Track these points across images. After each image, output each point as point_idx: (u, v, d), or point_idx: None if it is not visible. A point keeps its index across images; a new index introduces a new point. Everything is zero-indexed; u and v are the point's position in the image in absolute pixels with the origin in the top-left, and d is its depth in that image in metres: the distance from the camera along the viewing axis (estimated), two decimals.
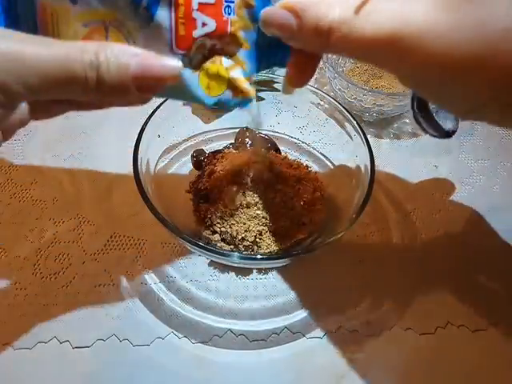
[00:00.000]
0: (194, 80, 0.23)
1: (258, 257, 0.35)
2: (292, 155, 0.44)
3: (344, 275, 0.38)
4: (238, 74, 0.24)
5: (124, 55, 0.19)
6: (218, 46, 0.23)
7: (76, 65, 0.18)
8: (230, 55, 0.24)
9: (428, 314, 0.36)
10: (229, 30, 0.23)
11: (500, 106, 0.19)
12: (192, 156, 0.42)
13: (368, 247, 0.40)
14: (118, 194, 0.41)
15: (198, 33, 0.23)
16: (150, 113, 0.38)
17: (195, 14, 0.22)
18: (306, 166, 0.42)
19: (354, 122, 0.38)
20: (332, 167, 0.43)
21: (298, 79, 0.24)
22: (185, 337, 0.34)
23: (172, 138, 0.43)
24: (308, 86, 0.42)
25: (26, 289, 0.35)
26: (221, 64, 0.24)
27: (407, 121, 0.51)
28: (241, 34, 0.23)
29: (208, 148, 0.44)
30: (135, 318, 0.34)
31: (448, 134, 0.26)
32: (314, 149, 0.45)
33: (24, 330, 0.33)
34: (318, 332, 0.35)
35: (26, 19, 0.21)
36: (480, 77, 0.17)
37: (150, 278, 0.36)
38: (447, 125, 0.25)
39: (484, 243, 0.41)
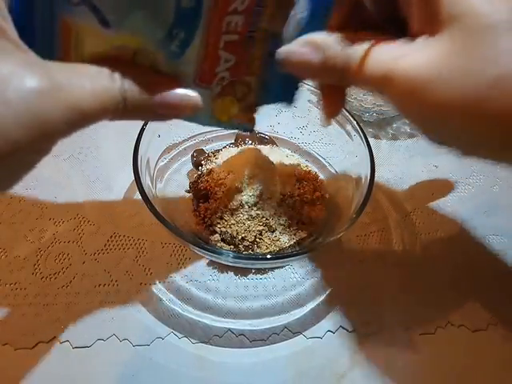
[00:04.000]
0: (208, 108, 0.25)
1: (258, 257, 0.35)
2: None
3: (344, 275, 0.38)
4: (246, 105, 0.26)
5: (148, 84, 0.20)
6: (236, 78, 0.25)
7: (109, 97, 0.18)
8: (245, 85, 0.25)
9: (428, 313, 0.36)
10: (247, 63, 0.24)
11: (497, 146, 0.19)
12: (192, 156, 0.42)
13: (368, 247, 0.40)
14: (117, 194, 0.41)
15: (220, 69, 0.24)
16: None
17: (220, 52, 0.23)
18: (306, 165, 0.42)
19: (354, 122, 0.38)
20: (332, 167, 0.43)
21: (332, 110, 0.27)
22: (185, 337, 0.34)
23: (172, 137, 0.43)
24: (308, 86, 0.42)
25: (26, 289, 0.35)
26: (235, 97, 0.25)
27: (406, 121, 0.51)
28: (258, 66, 0.24)
29: (208, 148, 0.44)
30: (135, 318, 0.34)
31: None
32: (314, 149, 0.45)
33: (24, 329, 0.33)
34: (318, 332, 0.35)
35: (43, 35, 0.20)
36: (469, 122, 0.18)
37: (150, 278, 0.36)
38: None
39: (484, 243, 0.41)
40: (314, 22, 0.23)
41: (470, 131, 0.19)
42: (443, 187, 0.45)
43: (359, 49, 0.21)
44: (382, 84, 0.20)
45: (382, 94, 0.21)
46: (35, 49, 0.18)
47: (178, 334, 0.34)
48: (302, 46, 0.22)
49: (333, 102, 0.27)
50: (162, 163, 0.41)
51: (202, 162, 0.40)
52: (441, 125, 0.19)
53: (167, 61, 0.22)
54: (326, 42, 0.22)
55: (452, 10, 0.18)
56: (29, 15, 0.19)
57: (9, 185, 0.18)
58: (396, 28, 0.22)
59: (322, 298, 0.36)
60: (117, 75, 0.19)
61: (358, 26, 0.22)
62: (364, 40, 0.21)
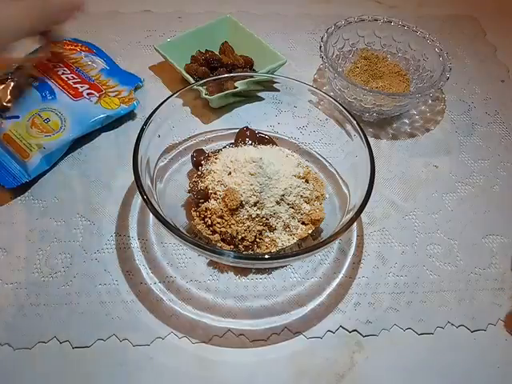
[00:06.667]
0: None
1: (258, 257, 0.35)
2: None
3: (344, 275, 0.38)
4: None
5: None
6: None
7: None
8: None
9: (428, 313, 0.36)
10: None
11: None
12: (192, 156, 0.42)
13: (368, 248, 0.40)
14: (118, 194, 0.41)
15: None
16: (149, 113, 0.38)
17: None
18: (306, 165, 0.42)
19: (354, 122, 0.39)
20: (332, 167, 0.43)
21: None
22: (185, 337, 0.34)
23: (172, 137, 0.43)
24: (308, 86, 0.42)
25: (26, 289, 0.35)
26: None
27: (406, 121, 0.51)
28: None
29: (208, 148, 0.44)
30: (135, 318, 0.34)
31: None
32: (314, 149, 0.45)
33: (24, 329, 0.33)
34: (318, 332, 0.35)
35: None
36: None
37: (150, 278, 0.36)
38: None
39: (483, 243, 0.41)
40: None
41: None
42: (443, 187, 0.45)
43: None
44: None
45: None
46: None
47: (178, 333, 0.34)
48: None
49: None
50: (162, 163, 0.41)
51: (202, 162, 0.40)
52: None
53: None
54: None
55: None
56: None
57: None
58: None
59: (322, 298, 0.36)
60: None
61: None
62: None
